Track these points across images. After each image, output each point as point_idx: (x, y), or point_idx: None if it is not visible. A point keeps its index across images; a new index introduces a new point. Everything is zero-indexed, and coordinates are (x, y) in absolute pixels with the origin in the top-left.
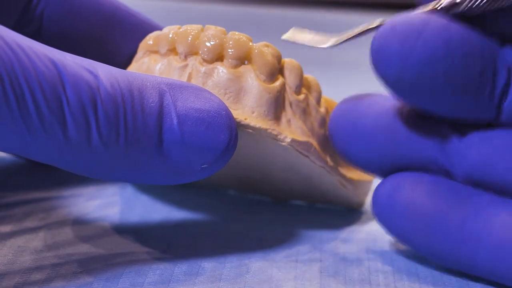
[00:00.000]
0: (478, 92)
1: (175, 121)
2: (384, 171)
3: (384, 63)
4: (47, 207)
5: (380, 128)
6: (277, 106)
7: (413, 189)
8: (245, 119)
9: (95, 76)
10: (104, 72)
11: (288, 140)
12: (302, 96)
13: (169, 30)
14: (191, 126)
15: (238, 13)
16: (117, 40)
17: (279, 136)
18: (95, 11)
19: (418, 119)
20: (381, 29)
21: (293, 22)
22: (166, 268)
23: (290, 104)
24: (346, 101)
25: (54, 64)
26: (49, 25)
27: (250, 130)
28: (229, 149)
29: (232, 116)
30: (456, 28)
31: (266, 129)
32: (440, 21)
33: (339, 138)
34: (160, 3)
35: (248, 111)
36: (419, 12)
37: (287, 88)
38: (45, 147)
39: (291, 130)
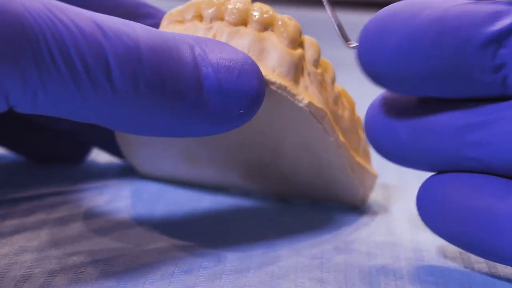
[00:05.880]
0: (466, 71)
1: (210, 69)
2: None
3: (366, 59)
4: (49, 204)
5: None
6: (297, 70)
7: (457, 189)
8: (266, 75)
9: (133, 29)
10: (140, 27)
11: (306, 101)
12: (319, 70)
13: (195, 0)
14: (225, 74)
15: None
16: None
17: (297, 96)
18: (116, 5)
19: (435, 117)
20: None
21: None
22: (166, 268)
23: (308, 74)
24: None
25: (93, 21)
26: None
27: (270, 86)
28: (260, 94)
29: (257, 65)
30: (426, 14)
31: (285, 86)
32: (411, 7)
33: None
34: (161, 2)
35: (269, 70)
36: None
37: (306, 59)
38: (93, 103)
39: (309, 94)
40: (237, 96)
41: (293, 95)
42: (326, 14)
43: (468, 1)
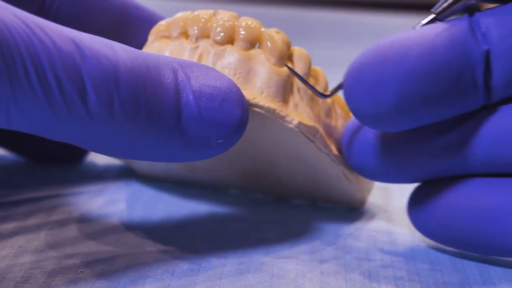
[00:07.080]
0: (461, 96)
1: (191, 96)
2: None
3: (358, 101)
4: (48, 206)
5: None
6: (285, 89)
7: (454, 194)
8: (254, 98)
9: (114, 51)
10: (122, 48)
11: (295, 122)
12: (310, 83)
13: (181, 15)
14: (206, 102)
15: (238, 12)
16: (129, 35)
17: (286, 118)
18: (107, 7)
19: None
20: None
21: (293, 22)
22: (166, 268)
23: (298, 90)
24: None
25: (72, 39)
26: (64, 23)
27: (258, 110)
28: (242, 124)
29: (242, 93)
30: (415, 54)
31: (274, 109)
32: (399, 48)
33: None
34: (160, 3)
35: (257, 92)
36: (390, 39)
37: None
38: (67, 123)
39: (299, 113)
40: (217, 125)
41: (283, 117)
42: (321, 14)
43: (441, 26)
